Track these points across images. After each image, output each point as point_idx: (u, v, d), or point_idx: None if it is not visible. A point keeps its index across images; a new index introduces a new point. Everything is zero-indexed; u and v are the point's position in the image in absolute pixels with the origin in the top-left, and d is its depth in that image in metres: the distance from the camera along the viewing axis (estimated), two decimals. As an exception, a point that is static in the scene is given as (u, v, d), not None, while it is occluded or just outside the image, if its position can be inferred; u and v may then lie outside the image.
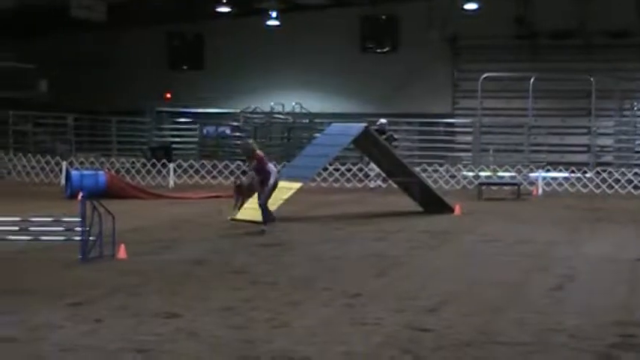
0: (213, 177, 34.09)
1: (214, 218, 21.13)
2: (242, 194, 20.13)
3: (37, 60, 41.02)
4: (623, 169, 32.14)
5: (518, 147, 37.02)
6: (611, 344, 9.51)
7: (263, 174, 18.75)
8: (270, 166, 19.05)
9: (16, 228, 15.45)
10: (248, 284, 12.88)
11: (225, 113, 43.49)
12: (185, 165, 34.42)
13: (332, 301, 11.60)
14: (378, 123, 32.04)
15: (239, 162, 34.98)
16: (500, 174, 31.92)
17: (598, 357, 9.04)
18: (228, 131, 43.07)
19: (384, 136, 30.23)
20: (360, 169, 32.59)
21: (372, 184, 31.70)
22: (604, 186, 30.89)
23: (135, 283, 12.78)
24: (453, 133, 40.76)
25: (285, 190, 21.63)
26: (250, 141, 20.24)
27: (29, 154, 35.14)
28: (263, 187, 18.74)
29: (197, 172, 34.36)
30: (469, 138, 39.14)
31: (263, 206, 18.77)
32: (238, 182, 20.57)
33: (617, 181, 30.86)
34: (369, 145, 23.54)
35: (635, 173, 31.20)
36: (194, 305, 11.25)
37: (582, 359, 9.00)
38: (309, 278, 13.43)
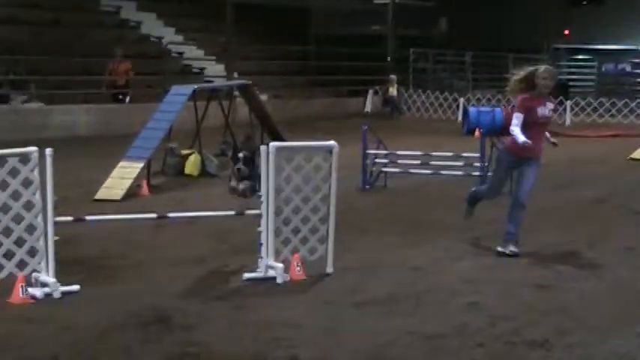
0: (612, 115, 33.21)
1: (614, 157, 20.61)
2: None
3: (437, -2, 41.84)
4: None
5: None
6: None
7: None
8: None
9: (418, 162, 15.96)
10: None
11: (626, 50, 42.00)
12: (582, 103, 33.75)
13: None
14: None
15: (639, 100, 33.80)
16: None
17: None
18: (628, 68, 41.62)
19: None
20: None
21: None
22: None
23: (535, 221, 12.80)
24: None
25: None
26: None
27: (428, 91, 36.02)
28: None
29: (595, 110, 33.60)
30: None
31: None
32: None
33: None
34: None
35: None
36: (595, 244, 11.11)
37: None
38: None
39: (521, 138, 10.12)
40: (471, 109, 27.92)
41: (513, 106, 11.14)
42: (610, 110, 33.38)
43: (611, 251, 10.72)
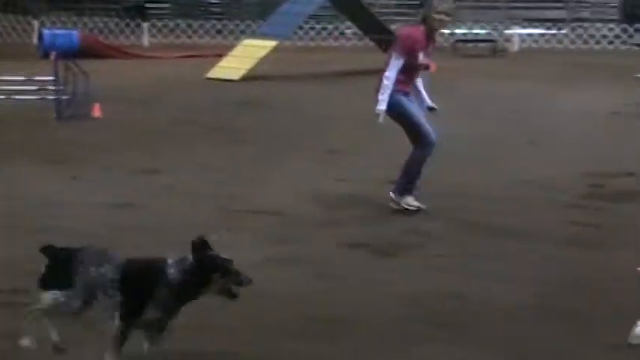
0: (189, 37, 33.79)
1: (191, 77, 21.01)
2: None
3: None
4: (598, 25, 31.99)
5: (495, 3, 36.73)
6: (580, 195, 9.71)
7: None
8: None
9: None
10: (230, 141, 12.97)
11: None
12: (159, 24, 34.05)
13: (312, 157, 11.72)
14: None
15: (214, 21, 34.67)
16: (476, 31, 31.71)
17: (567, 207, 9.24)
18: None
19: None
20: (336, 28, 32.31)
21: (348, 43, 31.51)
22: (579, 42, 30.89)
23: (112, 141, 12.82)
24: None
25: (260, 48, 21.56)
26: None
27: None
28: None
29: (172, 31, 34.02)
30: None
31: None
32: None
33: (592, 36, 30.82)
34: (345, 3, 23.31)
35: (610, 28, 31.10)
36: (175, 162, 11.34)
37: (552, 210, 9.19)
38: (291, 135, 13.51)
39: (381, 105, 8.71)
40: (46, 32, 27.27)
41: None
42: (187, 31, 33.94)
43: (192, 167, 11.02)
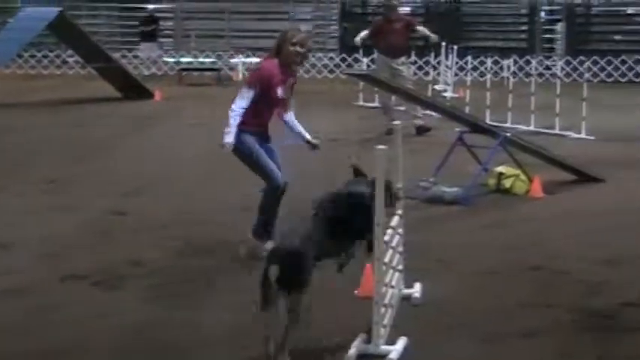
0: None
1: None
2: None
3: None
4: (320, 54, 33.03)
5: (219, 32, 37.14)
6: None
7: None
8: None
9: None
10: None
11: None
12: None
13: (31, 189, 11.41)
14: None
15: None
16: (202, 59, 31.93)
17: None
18: None
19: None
20: (58, 56, 31.63)
21: (70, 71, 30.94)
22: (302, 70, 31.76)
23: None
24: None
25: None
26: None
27: None
28: None
29: None
30: (171, 23, 38.79)
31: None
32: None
33: (314, 65, 31.77)
34: (65, 31, 22.87)
35: (331, 58, 32.22)
36: None
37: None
38: (9, 165, 13.11)
39: (228, 138, 8.04)
40: None
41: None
42: None
43: None
